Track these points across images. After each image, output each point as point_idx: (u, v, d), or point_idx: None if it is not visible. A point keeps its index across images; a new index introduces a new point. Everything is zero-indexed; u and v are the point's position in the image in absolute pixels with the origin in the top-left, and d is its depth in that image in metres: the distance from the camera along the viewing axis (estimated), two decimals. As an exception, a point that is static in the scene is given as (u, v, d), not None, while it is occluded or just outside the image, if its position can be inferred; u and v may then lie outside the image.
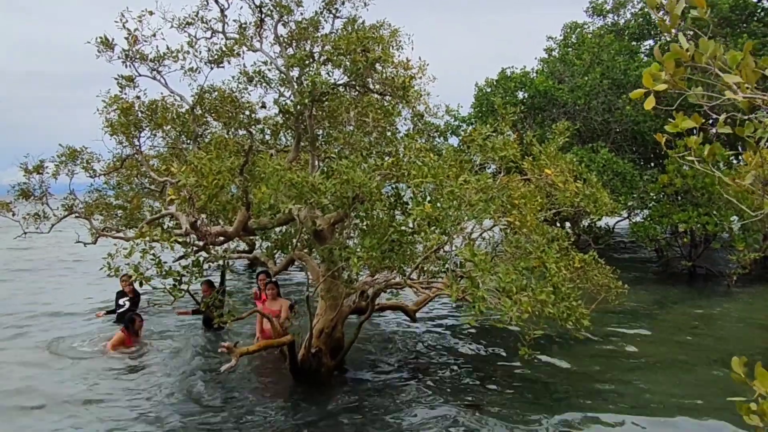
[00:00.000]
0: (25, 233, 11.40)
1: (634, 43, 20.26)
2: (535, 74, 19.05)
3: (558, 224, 16.36)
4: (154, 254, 6.43)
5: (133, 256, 6.23)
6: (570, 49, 20.67)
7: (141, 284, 6.41)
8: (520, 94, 18.32)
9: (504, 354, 9.10)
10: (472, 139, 7.27)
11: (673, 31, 2.24)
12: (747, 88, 1.87)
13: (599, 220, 18.09)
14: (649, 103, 1.93)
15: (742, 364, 1.92)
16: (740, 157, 18.18)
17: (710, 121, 16.02)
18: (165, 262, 6.67)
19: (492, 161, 7.40)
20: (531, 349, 6.00)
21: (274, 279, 9.46)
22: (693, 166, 2.45)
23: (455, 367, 8.51)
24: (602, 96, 17.61)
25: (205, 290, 10.24)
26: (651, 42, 20.82)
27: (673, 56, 1.90)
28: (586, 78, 17.65)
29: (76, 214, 11.54)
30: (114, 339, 9.70)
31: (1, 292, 14.80)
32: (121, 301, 11.46)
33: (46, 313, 12.39)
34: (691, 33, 2.14)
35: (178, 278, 6.68)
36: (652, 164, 19.86)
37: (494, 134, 7.33)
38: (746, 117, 2.05)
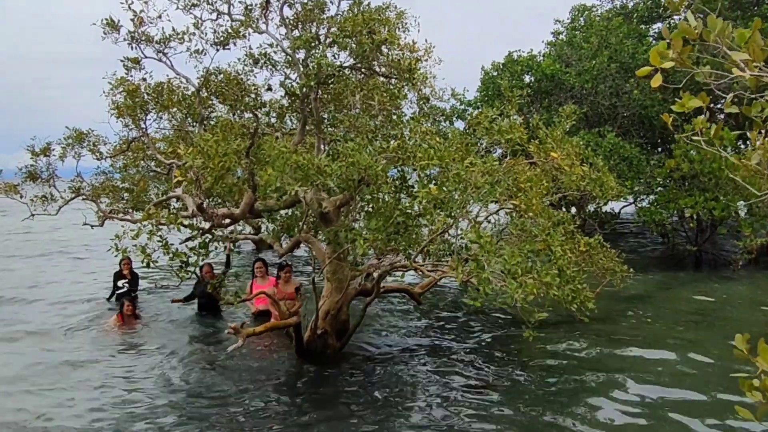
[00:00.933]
0: (33, 215, 11.49)
1: (642, 26, 20.03)
2: (542, 58, 18.89)
3: (563, 209, 16.33)
4: (161, 236, 6.49)
5: (140, 237, 6.29)
6: (578, 33, 20.48)
7: (148, 265, 6.47)
8: (527, 78, 18.19)
9: (509, 336, 9.14)
10: (478, 122, 7.25)
11: (682, 12, 2.23)
12: (755, 66, 1.87)
13: (605, 204, 18.06)
14: (656, 81, 1.93)
15: (745, 341, 1.93)
16: (747, 142, 18.06)
17: (718, 105, 15.90)
18: (172, 244, 6.73)
19: (498, 144, 7.38)
20: (535, 331, 6.03)
21: (288, 262, 9.55)
22: (700, 147, 2.45)
23: (460, 350, 8.56)
24: (610, 80, 17.46)
25: (206, 272, 10.25)
26: (660, 25, 20.60)
27: (681, 34, 1.89)
28: (594, 62, 17.49)
29: (83, 197, 11.61)
30: (110, 322, 9.88)
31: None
32: (120, 283, 11.45)
33: (44, 297, 12.32)
34: (702, 16, 2.13)
35: (185, 260, 6.74)
36: (659, 149, 19.74)
37: (500, 117, 7.30)
38: (753, 96, 2.05)
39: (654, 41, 18.74)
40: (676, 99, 2.18)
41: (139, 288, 11.74)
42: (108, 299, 11.54)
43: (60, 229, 23.43)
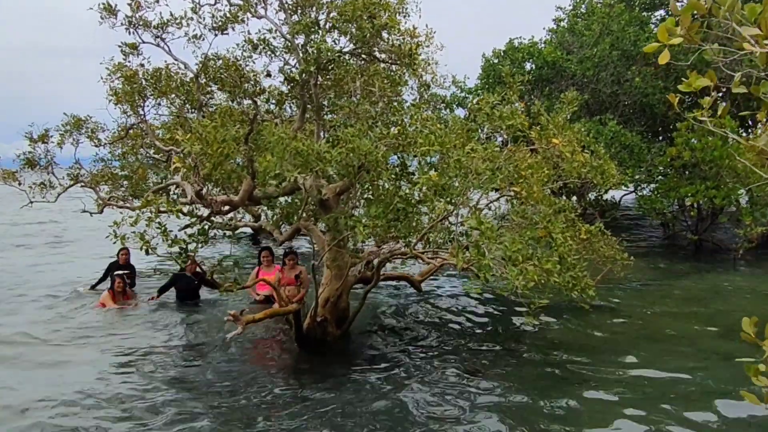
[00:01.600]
0: (32, 202, 11.45)
1: (644, 13, 19.88)
2: (543, 45, 18.77)
3: (564, 197, 16.29)
4: (159, 223, 6.43)
5: (138, 224, 6.23)
6: (579, 20, 20.32)
7: (147, 252, 6.42)
8: (528, 65, 18.08)
9: (509, 323, 9.14)
10: (479, 108, 7.19)
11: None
12: (766, 43, 1.82)
13: (605, 193, 18.01)
14: (664, 58, 1.88)
15: (753, 324, 1.90)
16: (750, 130, 17.98)
17: (720, 94, 15.79)
18: (170, 231, 6.68)
19: (499, 130, 7.32)
20: (536, 317, 6.00)
21: (290, 250, 9.51)
22: (706, 128, 2.40)
23: (460, 336, 8.55)
24: (611, 67, 17.36)
25: (190, 265, 9.85)
26: (662, 12, 20.45)
27: (690, 9, 1.84)
28: (595, 49, 17.38)
29: (82, 184, 11.57)
30: (101, 299, 9.95)
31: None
32: (117, 274, 11.05)
33: (37, 287, 12.02)
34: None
35: (184, 246, 6.69)
36: (660, 137, 19.66)
37: (502, 103, 7.24)
38: (763, 74, 2.00)
39: (656, 29, 18.59)
40: (683, 79, 2.13)
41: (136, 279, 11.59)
42: (93, 287, 11.19)
43: (57, 217, 23.29)
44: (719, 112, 2.21)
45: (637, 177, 16.12)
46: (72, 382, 6.87)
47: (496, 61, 18.35)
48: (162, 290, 10.47)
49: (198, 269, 10.15)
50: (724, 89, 13.06)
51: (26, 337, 8.62)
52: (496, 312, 9.90)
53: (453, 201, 5.86)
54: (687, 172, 14.98)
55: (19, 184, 11.55)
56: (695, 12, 1.90)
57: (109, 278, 11.11)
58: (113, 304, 9.83)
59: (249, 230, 18.20)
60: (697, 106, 2.40)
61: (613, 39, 17.26)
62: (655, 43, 1.88)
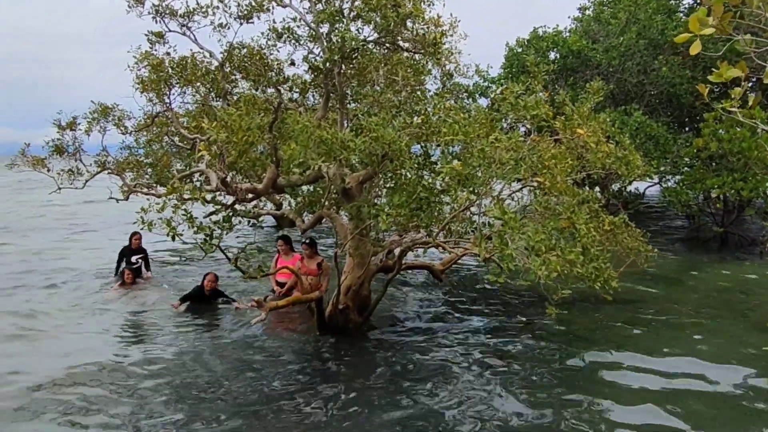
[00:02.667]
0: (60, 188, 11.68)
1: (672, 1, 19.52)
2: (568, 33, 18.53)
3: (587, 188, 16.13)
4: (185, 210, 6.52)
5: (165, 211, 6.33)
6: (605, 8, 20.01)
7: (173, 238, 6.52)
8: (552, 55, 17.87)
9: (531, 314, 9.12)
10: (503, 97, 7.15)
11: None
12: (799, 33, 1.80)
13: (629, 184, 17.79)
14: (695, 49, 1.87)
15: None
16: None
17: (750, 85, 15.49)
18: (196, 218, 6.77)
19: (523, 120, 7.28)
20: (558, 309, 6.00)
21: (308, 240, 9.50)
22: (736, 119, 2.39)
23: (480, 326, 8.57)
24: (638, 57, 17.09)
25: (209, 281, 9.72)
26: (690, 0, 20.07)
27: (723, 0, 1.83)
28: (622, 38, 17.11)
29: (109, 171, 11.76)
30: (111, 292, 10.18)
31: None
32: (133, 259, 11.17)
33: (55, 272, 12.02)
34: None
35: (209, 233, 6.78)
36: (687, 128, 19.34)
37: (526, 93, 7.19)
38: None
39: (684, 17, 18.25)
40: (712, 69, 2.11)
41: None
42: (116, 274, 11.24)
43: (71, 205, 23.51)
44: (750, 103, 2.19)
45: (662, 168, 15.90)
46: (82, 374, 6.97)
47: (519, 50, 18.17)
48: (183, 299, 9.90)
49: (217, 287, 10.00)
50: (754, 79, 12.80)
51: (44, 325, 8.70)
52: (517, 302, 9.89)
53: (476, 191, 5.87)
54: (714, 164, 14.73)
55: (48, 170, 11.78)
56: (727, 2, 1.88)
57: (124, 262, 11.23)
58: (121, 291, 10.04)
59: (274, 221, 18.36)
60: (725, 96, 2.39)
61: (640, 27, 16.97)
62: (687, 34, 1.87)
